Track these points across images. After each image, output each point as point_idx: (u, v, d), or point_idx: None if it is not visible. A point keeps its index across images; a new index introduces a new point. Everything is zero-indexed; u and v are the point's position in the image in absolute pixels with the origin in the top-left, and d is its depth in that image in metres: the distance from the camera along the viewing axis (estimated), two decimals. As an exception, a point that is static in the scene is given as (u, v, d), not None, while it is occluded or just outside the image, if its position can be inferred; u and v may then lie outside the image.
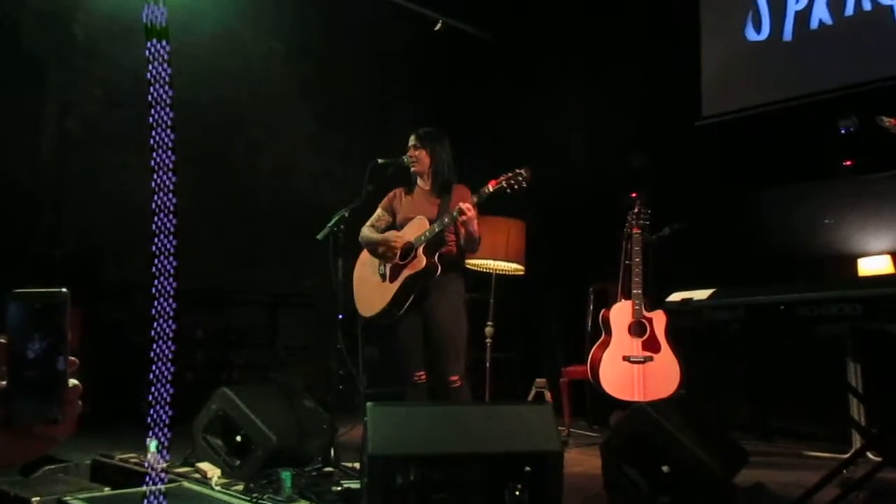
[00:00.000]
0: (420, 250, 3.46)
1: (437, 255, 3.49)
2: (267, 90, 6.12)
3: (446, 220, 3.44)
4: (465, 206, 3.34)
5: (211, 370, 5.53)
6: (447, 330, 3.54)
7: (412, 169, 3.68)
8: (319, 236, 3.43)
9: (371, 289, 3.62)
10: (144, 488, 2.76)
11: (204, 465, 3.17)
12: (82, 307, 4.48)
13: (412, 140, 3.70)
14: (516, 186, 3.34)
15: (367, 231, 3.72)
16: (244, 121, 6.06)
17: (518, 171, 3.35)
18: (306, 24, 6.24)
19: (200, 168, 5.30)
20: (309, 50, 6.32)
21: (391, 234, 3.62)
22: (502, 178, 3.36)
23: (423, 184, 3.71)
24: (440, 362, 3.54)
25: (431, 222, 3.49)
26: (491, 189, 3.38)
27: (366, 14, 6.30)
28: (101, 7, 5.15)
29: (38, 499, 2.57)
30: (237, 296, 5.85)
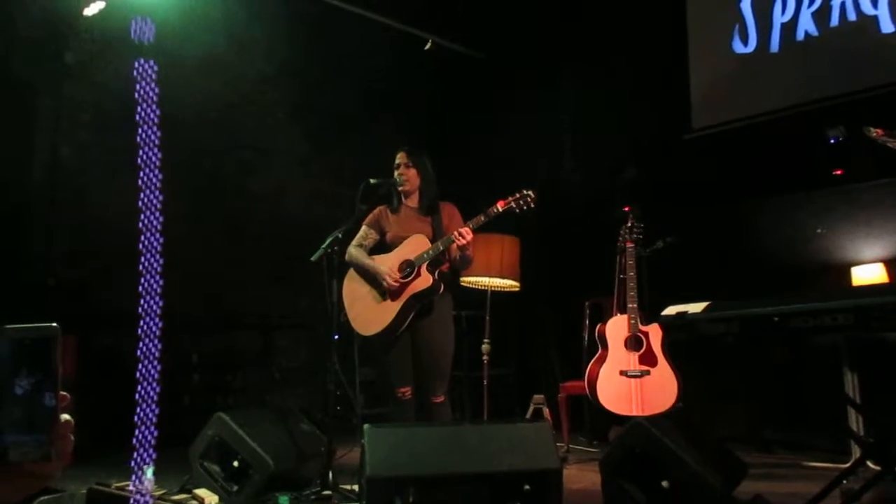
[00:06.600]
0: (424, 268, 3.46)
1: (437, 272, 3.50)
2: (258, 112, 6.14)
3: (447, 240, 3.45)
4: (463, 230, 3.35)
5: (207, 394, 5.51)
6: (439, 350, 3.53)
7: (401, 188, 3.66)
8: (314, 258, 3.43)
9: (369, 307, 3.55)
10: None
11: (201, 492, 3.15)
12: (76, 333, 4.46)
13: (402, 158, 3.68)
14: (525, 207, 3.37)
15: (356, 252, 3.64)
16: (236, 144, 6.07)
17: (526, 191, 3.38)
18: (295, 45, 6.28)
19: (193, 192, 5.30)
20: (298, 71, 6.34)
21: (381, 267, 3.53)
22: (510, 198, 3.40)
23: (409, 202, 3.70)
24: (429, 381, 3.52)
25: (431, 241, 3.49)
26: (500, 209, 3.39)
27: (355, 34, 6.34)
28: (92, 34, 5.17)
29: (33, 530, 2.54)
30: (232, 319, 5.83)
